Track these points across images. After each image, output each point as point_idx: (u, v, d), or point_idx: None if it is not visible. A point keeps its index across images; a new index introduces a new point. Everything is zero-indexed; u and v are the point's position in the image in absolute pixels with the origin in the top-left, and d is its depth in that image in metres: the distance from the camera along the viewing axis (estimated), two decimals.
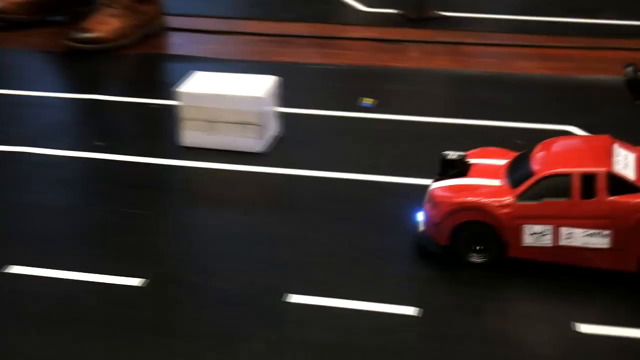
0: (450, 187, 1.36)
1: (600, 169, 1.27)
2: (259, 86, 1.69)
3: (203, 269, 1.35)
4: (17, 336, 1.20)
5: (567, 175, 1.28)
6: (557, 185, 1.28)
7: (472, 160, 1.41)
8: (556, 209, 1.28)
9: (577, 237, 1.28)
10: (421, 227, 1.39)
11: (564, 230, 1.29)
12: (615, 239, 1.28)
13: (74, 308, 1.25)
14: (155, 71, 2.19)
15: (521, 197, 1.30)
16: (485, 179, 1.36)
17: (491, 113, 1.83)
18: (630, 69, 1.34)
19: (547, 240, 1.30)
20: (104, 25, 2.23)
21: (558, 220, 1.29)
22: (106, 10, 2.26)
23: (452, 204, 1.33)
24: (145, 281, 1.30)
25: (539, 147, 1.37)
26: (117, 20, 2.24)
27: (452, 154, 1.39)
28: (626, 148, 1.35)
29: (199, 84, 1.70)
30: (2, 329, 1.21)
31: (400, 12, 2.47)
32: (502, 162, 1.40)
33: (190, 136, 1.70)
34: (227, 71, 1.79)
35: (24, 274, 1.32)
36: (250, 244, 1.40)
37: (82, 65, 2.16)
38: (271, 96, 1.71)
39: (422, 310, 1.24)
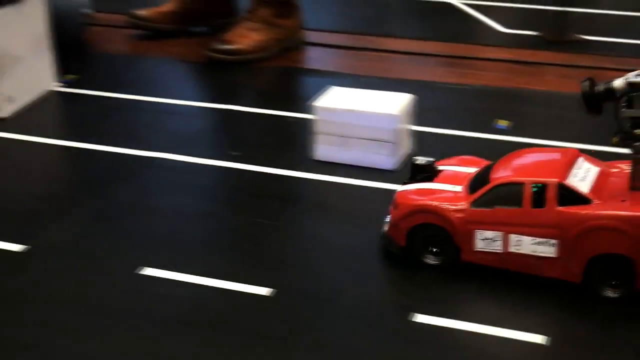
0: (412, 191, 1.40)
1: (551, 180, 1.28)
2: (394, 103, 1.70)
3: (330, 282, 1.36)
4: (147, 337, 1.24)
5: (519, 184, 1.30)
6: (509, 194, 1.30)
7: (441, 167, 1.44)
8: (507, 216, 1.30)
9: (526, 244, 1.30)
10: (385, 228, 1.42)
11: (513, 237, 1.31)
12: (561, 248, 1.28)
13: (202, 313, 1.28)
14: (292, 84, 2.22)
15: (475, 203, 1.33)
16: (448, 184, 1.39)
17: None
18: (586, 83, 1.32)
19: (497, 246, 1.32)
20: (244, 38, 2.28)
21: (508, 227, 1.30)
22: (247, 23, 2.31)
23: (410, 206, 1.37)
24: (272, 291, 1.33)
25: (505, 157, 1.39)
26: (257, 34, 2.29)
27: (421, 160, 1.43)
28: (592, 162, 1.36)
29: (335, 99, 1.72)
30: (134, 329, 1.25)
31: (539, 34, 2.44)
32: (472, 170, 1.42)
33: (323, 150, 1.72)
34: (362, 87, 1.80)
35: (157, 277, 1.36)
36: (378, 261, 1.41)
37: (222, 76, 2.22)
38: (405, 114, 1.71)
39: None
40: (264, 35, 2.30)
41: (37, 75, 2.04)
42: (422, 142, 1.78)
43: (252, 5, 2.33)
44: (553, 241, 1.29)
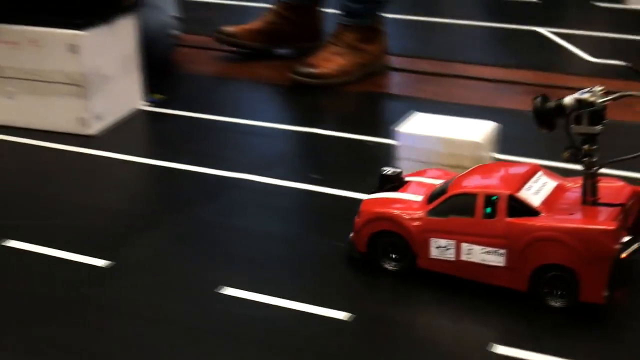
0: (376, 200, 1.46)
1: (503, 192, 1.33)
2: (477, 131, 1.68)
3: (410, 310, 1.35)
4: (227, 356, 1.24)
5: (473, 195, 1.34)
6: (463, 204, 1.35)
7: (409, 178, 1.50)
8: (460, 225, 1.35)
9: (476, 253, 1.35)
10: (351, 235, 1.47)
11: (465, 246, 1.35)
12: (509, 258, 1.32)
13: (280, 335, 1.29)
14: (375, 109, 2.23)
15: (431, 212, 1.38)
16: (411, 195, 1.45)
17: None
18: (538, 99, 1.35)
19: (450, 255, 1.37)
20: (329, 62, 2.29)
21: (461, 236, 1.35)
22: (331, 47, 2.32)
23: (370, 213, 1.43)
24: (350, 315, 1.32)
25: (469, 170, 1.45)
26: (341, 58, 2.30)
27: (388, 170, 1.50)
28: (551, 177, 1.41)
29: (417, 125, 1.72)
30: (213, 348, 1.26)
31: (629, 64, 2.40)
32: (438, 182, 1.46)
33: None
34: (445, 114, 1.79)
35: (237, 297, 1.37)
36: (462, 292, 1.38)
37: (305, 99, 2.23)
38: (488, 141, 1.70)
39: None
40: (348, 59, 2.31)
41: (126, 94, 2.08)
42: None
43: (337, 30, 2.35)
44: (502, 251, 1.33)
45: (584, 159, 1.32)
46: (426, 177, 1.51)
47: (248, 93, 2.28)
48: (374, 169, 1.83)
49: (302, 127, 2.02)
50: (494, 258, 1.34)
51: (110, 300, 1.38)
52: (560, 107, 1.31)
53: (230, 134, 2.01)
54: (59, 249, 1.51)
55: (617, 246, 1.28)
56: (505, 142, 1.80)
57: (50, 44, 1.93)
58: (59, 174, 1.83)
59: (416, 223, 1.39)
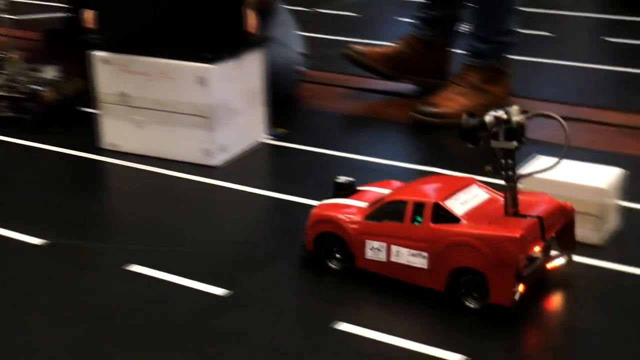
0: (325, 204, 1.59)
1: (429, 200, 1.44)
2: (602, 177, 1.65)
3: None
4: None
5: (404, 202, 1.46)
6: (395, 210, 1.47)
7: (362, 187, 1.62)
8: (391, 229, 1.47)
9: (403, 255, 1.46)
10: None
11: (394, 248, 1.47)
12: (430, 260, 1.43)
13: None
14: None
15: (368, 217, 1.50)
16: (358, 201, 1.56)
17: None
18: (465, 116, 1.43)
19: (382, 256, 1.49)
20: (451, 102, 2.29)
21: (391, 239, 1.47)
22: (454, 87, 2.32)
23: (316, 215, 1.56)
24: (465, 358, 1.31)
25: (413, 181, 1.58)
26: (464, 98, 2.29)
27: (342, 179, 1.62)
28: (485, 190, 1.52)
29: (540, 169, 1.69)
30: None
31: None
32: (387, 191, 1.56)
33: None
34: (569, 158, 1.76)
35: (353, 333, 1.38)
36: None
37: (426, 138, 2.23)
38: (613, 188, 1.66)
39: None
40: (471, 100, 2.30)
41: (250, 127, 2.13)
42: (632, 220, 1.72)
43: (461, 69, 2.34)
44: (424, 254, 1.44)
45: (503, 173, 1.43)
46: (381, 187, 1.62)
47: (369, 130, 2.29)
48: None
49: (421, 165, 2.02)
50: (418, 260, 1.45)
51: (227, 330, 1.40)
52: (482, 124, 1.41)
53: (350, 170, 2.02)
54: (180, 276, 1.54)
55: (523, 254, 1.37)
56: (631, 189, 1.76)
57: (180, 76, 1.99)
58: (182, 202, 1.88)
59: (354, 226, 1.51)
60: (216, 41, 2.03)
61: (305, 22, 3.00)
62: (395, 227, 1.47)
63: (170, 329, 1.40)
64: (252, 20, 2.09)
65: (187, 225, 1.78)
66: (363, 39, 3.13)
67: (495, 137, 1.42)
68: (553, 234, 1.48)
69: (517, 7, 2.30)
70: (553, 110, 2.37)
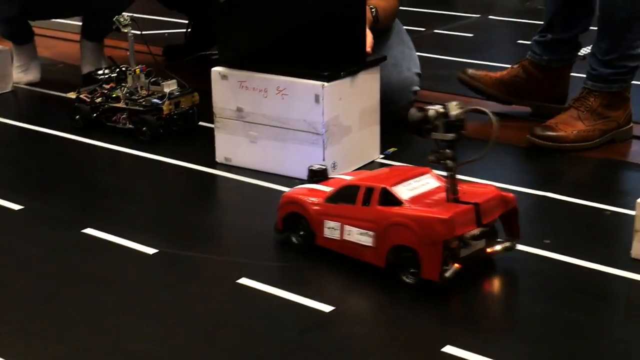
0: (297, 189, 1.76)
1: (378, 185, 1.59)
2: None
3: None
4: None
5: (357, 186, 1.62)
6: (350, 193, 1.63)
7: (335, 175, 1.82)
8: (345, 210, 1.63)
9: (354, 234, 1.61)
10: None
11: (346, 228, 1.62)
12: (375, 239, 1.58)
13: None
14: (613, 177, 2.15)
15: (328, 199, 1.66)
16: (326, 187, 1.71)
17: None
18: (413, 110, 1.56)
19: (336, 234, 1.64)
20: (569, 126, 2.24)
21: (345, 219, 1.63)
22: (573, 111, 2.27)
23: (286, 197, 1.74)
24: None
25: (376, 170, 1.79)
26: (582, 123, 2.24)
27: (315, 166, 1.80)
28: (437, 180, 1.63)
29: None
30: None
31: None
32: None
33: None
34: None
35: (460, 357, 1.36)
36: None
37: (542, 162, 2.19)
38: None
39: None
40: (589, 124, 2.25)
41: (363, 146, 2.13)
42: None
43: (581, 93, 2.29)
44: (371, 233, 1.58)
45: (443, 162, 1.54)
46: (349, 175, 1.77)
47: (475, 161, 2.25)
48: (609, 239, 1.78)
49: (536, 190, 1.99)
50: (366, 239, 1.60)
51: (331, 347, 1.40)
52: (426, 118, 1.53)
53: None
54: (288, 291, 1.56)
55: (452, 234, 1.50)
56: None
57: (296, 93, 2.01)
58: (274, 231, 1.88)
59: (315, 207, 1.68)
60: (333, 59, 2.04)
61: (420, 42, 3.00)
62: (348, 208, 1.63)
63: (276, 344, 1.41)
64: (369, 39, 2.09)
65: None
66: (478, 60, 3.11)
67: (436, 129, 1.53)
68: (492, 221, 1.60)
69: None
70: None
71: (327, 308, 1.50)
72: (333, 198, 1.66)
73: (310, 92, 1.99)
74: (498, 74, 2.51)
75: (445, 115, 1.53)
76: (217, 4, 2.07)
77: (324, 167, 1.81)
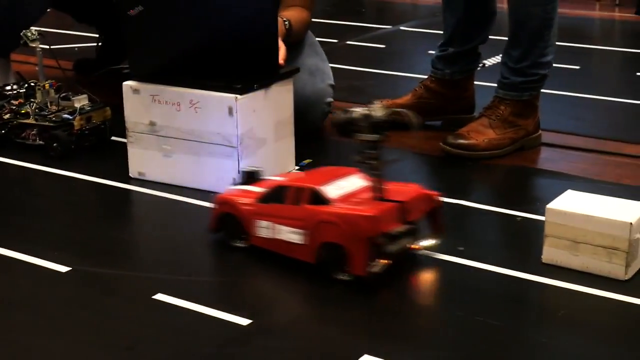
0: (231, 190, 1.81)
1: (308, 185, 1.66)
2: (631, 212, 1.64)
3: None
4: None
5: (287, 187, 1.68)
6: (280, 194, 1.69)
7: (267, 177, 1.84)
8: (276, 210, 1.69)
9: (285, 232, 1.67)
10: None
11: (277, 227, 1.68)
12: (305, 236, 1.64)
13: None
14: (524, 184, 2.20)
15: (259, 199, 1.72)
16: (259, 188, 1.76)
17: None
18: (338, 112, 1.64)
19: (269, 233, 1.70)
20: (480, 134, 2.28)
21: (276, 218, 1.68)
22: (484, 120, 2.32)
23: (219, 198, 1.78)
24: None
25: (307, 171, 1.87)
26: (494, 131, 2.29)
27: (248, 168, 1.86)
28: (364, 180, 1.68)
29: (568, 202, 1.68)
30: None
31: None
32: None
33: (552, 253, 1.68)
34: (597, 192, 1.75)
35: None
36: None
37: (454, 170, 2.23)
38: None
39: None
40: (500, 133, 2.29)
41: (278, 158, 2.13)
42: None
43: (492, 102, 2.34)
44: (301, 231, 1.64)
45: (368, 162, 1.61)
46: (281, 177, 1.82)
47: (397, 161, 2.28)
48: (522, 244, 1.82)
49: (449, 198, 2.01)
50: (296, 237, 1.65)
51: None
52: (351, 119, 1.59)
53: None
54: (205, 305, 1.54)
55: (377, 231, 1.56)
56: None
57: (210, 107, 2.00)
58: (207, 232, 1.88)
59: (247, 207, 1.73)
60: (246, 72, 2.04)
61: (333, 53, 3.02)
62: (279, 208, 1.68)
63: (195, 359, 1.40)
64: (281, 51, 2.10)
65: (212, 255, 1.78)
66: (391, 71, 3.15)
67: (361, 131, 1.59)
68: (417, 218, 1.68)
69: (554, 41, 2.30)
70: (581, 143, 2.39)
71: (245, 321, 1.50)
72: (265, 198, 1.72)
73: (224, 105, 1.99)
74: (401, 100, 2.52)
75: (369, 117, 1.59)
76: (128, 17, 2.04)
77: (257, 170, 1.85)
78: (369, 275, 1.58)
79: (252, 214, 1.72)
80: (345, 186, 1.68)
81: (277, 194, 1.70)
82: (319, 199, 1.64)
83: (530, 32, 2.26)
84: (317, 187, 1.65)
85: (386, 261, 1.59)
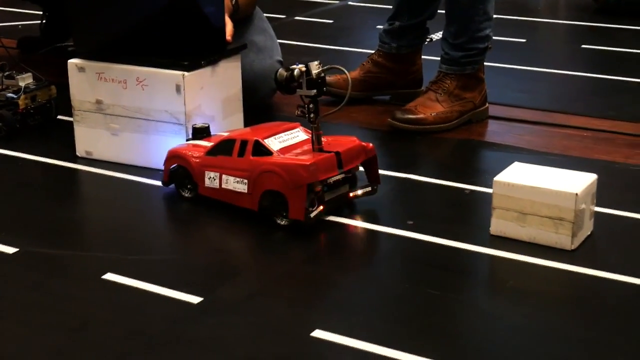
0: (182, 145, 1.91)
1: (251, 138, 1.78)
2: (576, 183, 1.66)
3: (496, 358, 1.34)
4: None
5: (233, 140, 1.80)
6: (227, 146, 1.81)
7: (216, 132, 1.95)
8: (223, 162, 1.81)
9: (231, 182, 1.79)
10: None
11: (224, 177, 1.80)
12: (249, 186, 1.76)
13: None
14: (472, 157, 2.21)
15: (208, 152, 1.84)
16: (207, 142, 1.87)
17: None
18: (280, 69, 1.76)
19: (215, 184, 1.82)
20: (427, 108, 2.30)
21: (223, 170, 1.80)
22: (431, 94, 2.33)
23: (171, 152, 1.89)
24: None
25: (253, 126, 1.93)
26: (440, 105, 2.30)
27: (198, 124, 1.93)
28: (306, 133, 1.83)
29: (515, 174, 1.70)
30: None
31: None
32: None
33: (500, 225, 1.70)
34: (544, 164, 1.78)
35: (329, 340, 1.38)
36: (547, 345, 1.37)
37: (403, 144, 2.24)
38: (587, 194, 1.67)
39: None
40: (447, 107, 2.31)
41: None
42: (603, 225, 1.73)
43: (437, 77, 2.35)
44: (245, 180, 1.76)
45: (308, 116, 1.74)
46: (227, 132, 1.93)
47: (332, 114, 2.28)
48: (471, 217, 1.84)
49: (398, 172, 2.03)
50: (241, 186, 1.77)
51: (201, 338, 1.39)
52: (292, 76, 1.73)
53: None
54: (155, 284, 1.54)
55: (314, 178, 1.68)
56: (603, 194, 1.77)
57: (157, 84, 1.99)
58: (159, 210, 1.87)
59: (197, 160, 1.84)
60: (193, 49, 2.02)
61: (282, 29, 3.01)
62: (225, 160, 1.80)
63: (145, 338, 1.40)
64: (228, 28, 2.09)
65: (162, 233, 1.78)
66: (339, 46, 3.14)
67: (300, 86, 1.73)
68: (354, 167, 1.80)
69: (491, 15, 2.31)
70: (527, 116, 2.41)
71: (195, 299, 1.50)
72: (212, 151, 1.83)
73: (171, 82, 1.97)
74: (351, 74, 2.51)
75: (308, 73, 1.73)
76: None
77: (206, 125, 1.93)
78: (308, 221, 1.69)
79: (202, 166, 1.83)
80: (287, 139, 1.80)
81: (224, 147, 1.81)
82: (263, 151, 1.76)
83: (464, 8, 2.28)
84: (260, 139, 1.77)
85: (323, 207, 1.73)
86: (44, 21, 3.06)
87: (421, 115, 2.29)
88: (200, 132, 1.92)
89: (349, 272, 1.62)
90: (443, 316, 1.46)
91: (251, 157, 1.76)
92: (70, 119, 2.13)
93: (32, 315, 1.47)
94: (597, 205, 1.74)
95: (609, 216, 1.79)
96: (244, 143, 1.78)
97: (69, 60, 2.08)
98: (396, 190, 1.97)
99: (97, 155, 2.10)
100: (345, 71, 1.82)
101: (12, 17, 3.53)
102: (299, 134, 1.84)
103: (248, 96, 2.18)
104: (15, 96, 2.24)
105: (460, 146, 2.23)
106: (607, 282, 1.55)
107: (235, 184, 1.79)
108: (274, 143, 1.78)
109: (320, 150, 1.76)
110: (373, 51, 2.56)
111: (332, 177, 1.74)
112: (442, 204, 1.93)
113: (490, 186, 1.73)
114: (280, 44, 2.52)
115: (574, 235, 1.64)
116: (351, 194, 1.82)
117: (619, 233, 1.74)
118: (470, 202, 1.90)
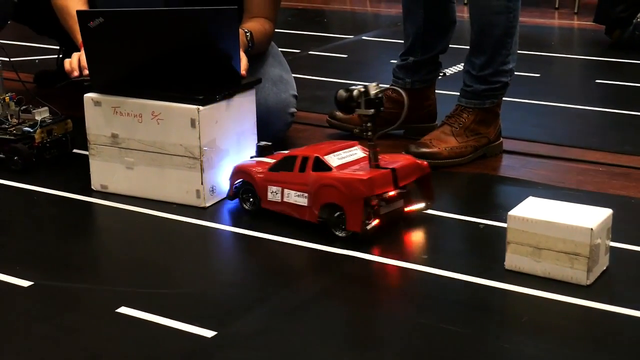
0: (248, 161, 2.02)
1: (312, 154, 1.88)
2: (592, 217, 1.65)
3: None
4: None
5: (295, 156, 1.91)
6: (289, 162, 1.91)
7: (280, 151, 2.03)
8: (285, 177, 1.91)
9: (292, 196, 1.90)
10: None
11: (286, 192, 1.90)
12: (309, 200, 1.86)
13: None
14: (486, 191, 2.21)
15: (271, 168, 1.94)
16: (270, 159, 1.98)
17: None
18: (341, 90, 1.85)
19: (278, 197, 1.92)
20: (443, 142, 2.30)
21: (284, 184, 1.91)
22: (446, 128, 2.33)
23: (236, 168, 2.00)
24: None
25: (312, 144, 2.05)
26: (456, 140, 2.30)
27: (262, 143, 2.05)
28: (363, 151, 1.93)
29: (530, 209, 1.70)
30: None
31: None
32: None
33: (514, 260, 1.69)
34: (558, 199, 1.77)
35: None
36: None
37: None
38: (602, 229, 1.66)
39: None
40: (462, 141, 2.30)
41: None
42: (619, 260, 1.72)
43: (454, 110, 2.35)
44: (305, 194, 1.87)
45: (366, 134, 1.83)
46: (290, 151, 2.00)
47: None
48: (485, 251, 1.83)
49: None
50: (302, 200, 1.87)
51: None
52: (351, 97, 1.81)
53: None
54: (170, 318, 1.54)
55: (371, 193, 1.77)
56: (619, 229, 1.76)
57: (172, 118, 2.00)
58: (172, 243, 1.87)
59: (260, 175, 1.94)
60: (208, 83, 2.04)
61: (296, 63, 3.03)
62: (287, 175, 1.90)
63: None
64: (243, 62, 2.10)
65: (176, 267, 1.77)
66: (353, 80, 3.15)
67: (359, 106, 1.81)
68: (409, 184, 1.89)
69: (516, 49, 2.32)
70: (542, 150, 2.41)
71: (209, 333, 1.49)
72: (275, 167, 1.93)
73: (186, 116, 1.98)
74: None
75: (366, 94, 1.81)
76: (87, 29, 2.03)
77: (269, 144, 2.05)
78: (364, 232, 1.78)
79: (265, 181, 1.93)
80: (345, 156, 1.90)
81: (286, 163, 1.92)
82: (322, 167, 1.86)
83: (493, 40, 2.28)
84: (320, 155, 1.87)
85: (379, 221, 1.81)
86: (60, 55, 3.09)
87: (435, 149, 2.29)
88: (264, 150, 2.03)
89: (362, 306, 1.62)
90: (457, 351, 1.45)
91: (312, 173, 1.86)
92: (86, 152, 2.14)
93: (45, 349, 1.47)
94: (613, 240, 1.73)
95: (624, 251, 1.78)
96: (305, 159, 1.88)
97: (85, 95, 2.09)
98: (410, 224, 1.96)
99: (112, 188, 2.11)
100: (403, 92, 1.95)
101: (29, 52, 3.56)
102: (356, 152, 1.93)
103: (263, 130, 2.18)
104: (31, 130, 2.26)
105: (475, 180, 2.23)
106: (623, 318, 1.54)
107: (296, 198, 1.88)
108: (333, 159, 1.87)
109: (377, 166, 1.84)
110: (387, 85, 2.56)
111: (388, 192, 1.82)
112: (456, 238, 1.93)
113: (504, 221, 1.72)
114: (295, 78, 2.54)
115: (589, 270, 1.63)
116: (406, 209, 1.92)
117: (635, 268, 1.73)
118: (484, 236, 1.90)
